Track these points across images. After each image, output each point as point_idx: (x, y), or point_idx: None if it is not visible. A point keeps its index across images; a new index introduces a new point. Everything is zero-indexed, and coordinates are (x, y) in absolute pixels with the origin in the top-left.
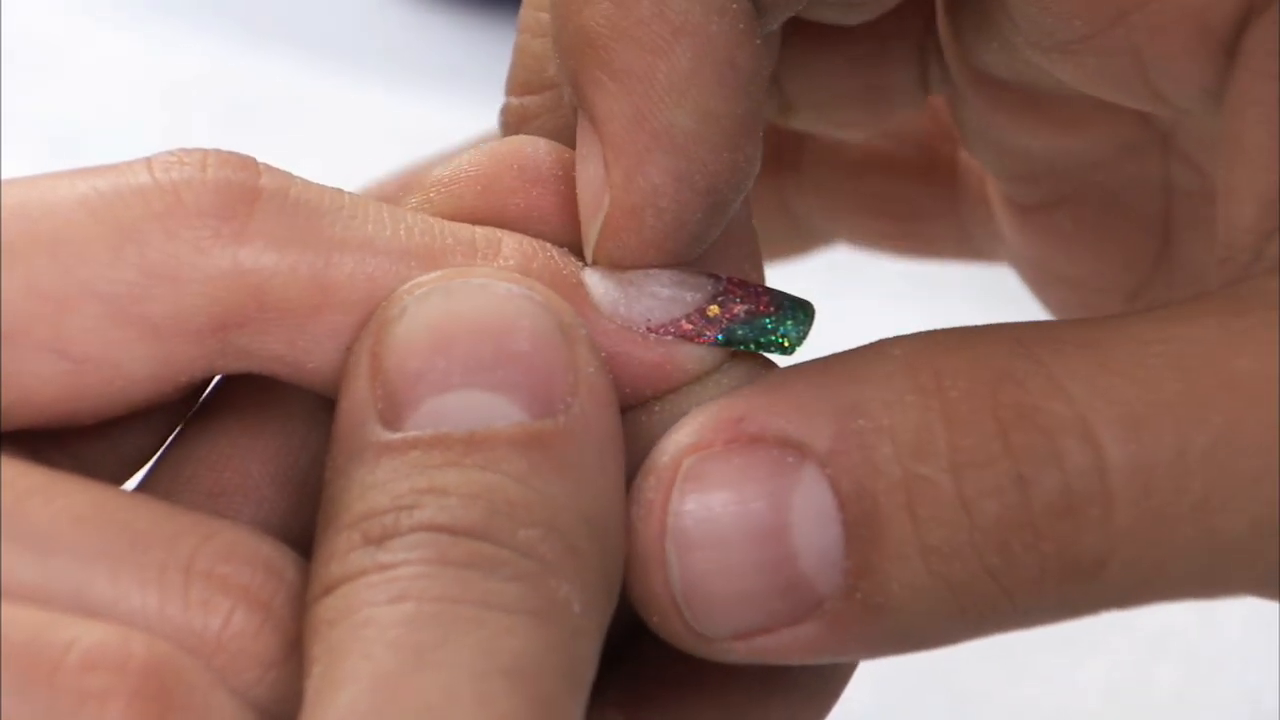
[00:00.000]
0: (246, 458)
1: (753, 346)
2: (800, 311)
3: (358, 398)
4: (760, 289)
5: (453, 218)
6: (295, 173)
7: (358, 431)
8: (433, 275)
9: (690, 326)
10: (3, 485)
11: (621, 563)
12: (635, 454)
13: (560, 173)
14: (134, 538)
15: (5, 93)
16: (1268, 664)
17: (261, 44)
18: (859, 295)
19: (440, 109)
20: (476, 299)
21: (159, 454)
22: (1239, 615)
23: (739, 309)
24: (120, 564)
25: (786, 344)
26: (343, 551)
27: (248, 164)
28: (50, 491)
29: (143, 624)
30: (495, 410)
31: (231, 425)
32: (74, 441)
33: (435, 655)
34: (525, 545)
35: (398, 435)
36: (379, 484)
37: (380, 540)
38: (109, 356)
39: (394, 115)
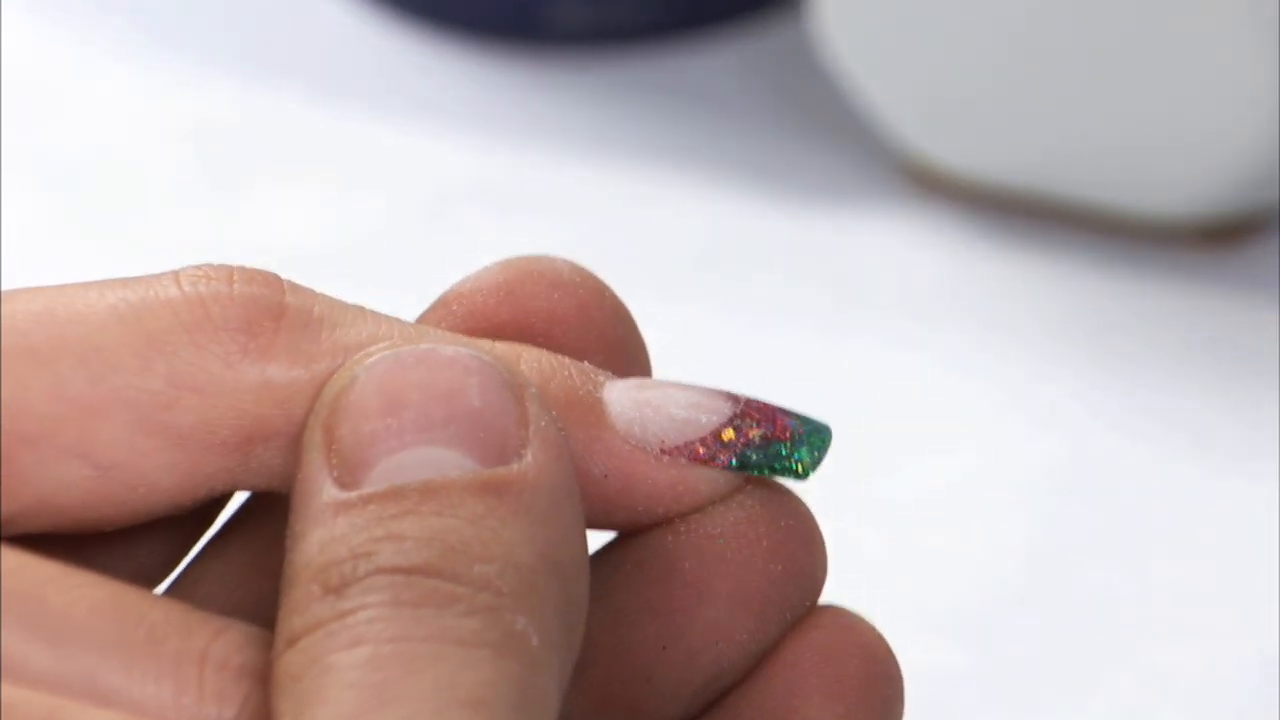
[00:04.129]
0: (260, 577)
1: (766, 472)
2: (817, 437)
3: (313, 468)
4: (779, 413)
5: (474, 326)
6: (304, 217)
7: (315, 498)
8: (380, 345)
9: (704, 450)
10: (20, 574)
11: (584, 606)
12: (664, 575)
13: (579, 279)
14: (150, 629)
15: (4, 130)
16: (1268, 704)
17: (264, 83)
18: (862, 328)
19: (450, 148)
20: (425, 362)
21: (175, 574)
22: (1240, 654)
23: (754, 434)
24: (135, 654)
25: (800, 470)
26: (303, 604)
27: (272, 281)
28: (66, 582)
29: (157, 713)
30: (450, 463)
31: (247, 545)
32: (90, 548)
33: (394, 691)
34: (481, 580)
35: (354, 493)
36: (337, 538)
37: (339, 589)
38: (135, 464)
39: (398, 153)
